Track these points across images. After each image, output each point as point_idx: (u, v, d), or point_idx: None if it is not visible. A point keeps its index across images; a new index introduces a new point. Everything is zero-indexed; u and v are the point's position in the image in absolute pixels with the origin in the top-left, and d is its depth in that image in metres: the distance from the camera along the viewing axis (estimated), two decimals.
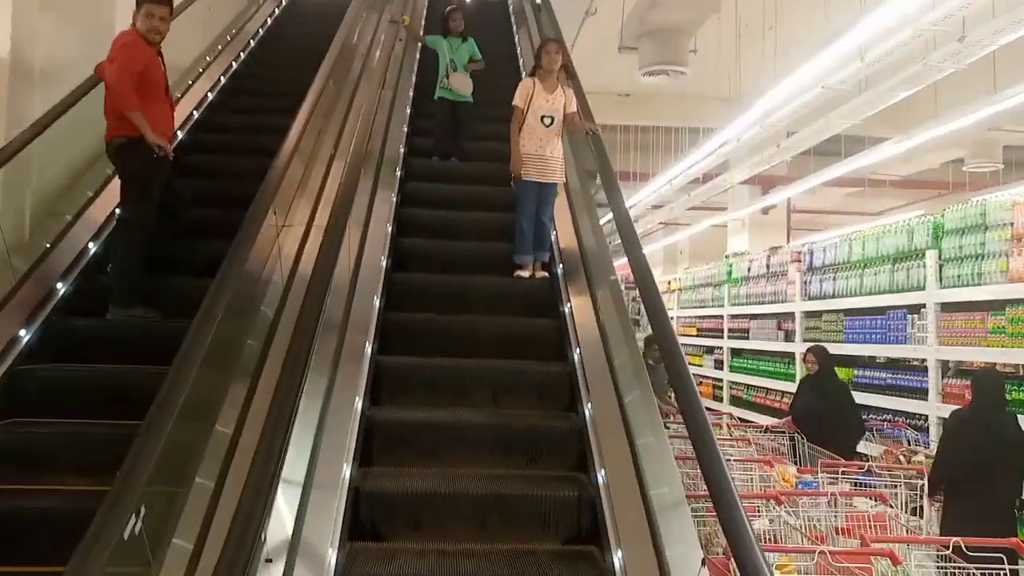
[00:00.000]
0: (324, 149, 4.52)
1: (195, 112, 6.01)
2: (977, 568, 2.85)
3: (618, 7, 9.95)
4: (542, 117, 4.70)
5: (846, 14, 6.93)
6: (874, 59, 7.11)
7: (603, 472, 2.96)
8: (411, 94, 6.78)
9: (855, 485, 4.26)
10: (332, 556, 2.50)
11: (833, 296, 7.87)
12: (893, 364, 7.06)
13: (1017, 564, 3.05)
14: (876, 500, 3.88)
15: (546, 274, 4.73)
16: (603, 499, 2.86)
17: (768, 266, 9.83)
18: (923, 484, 4.61)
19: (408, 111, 6.44)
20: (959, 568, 2.91)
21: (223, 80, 6.75)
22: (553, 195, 4.78)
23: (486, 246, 5.02)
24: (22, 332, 3.63)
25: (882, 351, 7.08)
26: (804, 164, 12.62)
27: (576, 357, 3.79)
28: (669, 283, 14.61)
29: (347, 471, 2.87)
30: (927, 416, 6.16)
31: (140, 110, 3.88)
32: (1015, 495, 4.60)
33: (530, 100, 4.70)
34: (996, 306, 5.56)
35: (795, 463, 5.34)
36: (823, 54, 7.24)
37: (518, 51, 8.24)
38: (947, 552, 2.97)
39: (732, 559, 1.92)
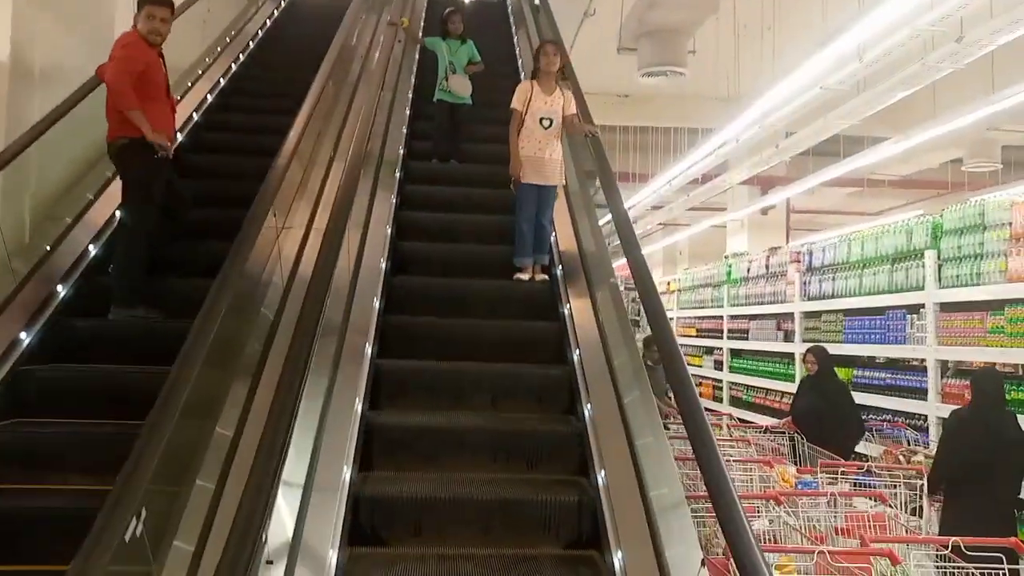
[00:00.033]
0: (323, 150, 4.53)
1: (195, 114, 6.02)
2: (976, 568, 2.85)
3: (617, 8, 9.96)
4: (541, 119, 4.69)
5: (844, 14, 6.93)
6: (872, 59, 7.12)
7: (603, 475, 2.96)
8: (410, 96, 6.78)
9: (855, 485, 4.27)
10: (332, 559, 2.50)
11: (832, 296, 7.88)
12: (892, 364, 7.07)
13: (1017, 564, 3.06)
14: (876, 500, 3.89)
15: (546, 277, 4.72)
16: (603, 502, 2.85)
17: (767, 267, 9.83)
18: (923, 484, 4.61)
19: (407, 112, 6.45)
20: (958, 568, 2.91)
21: (223, 82, 6.76)
22: (553, 197, 4.77)
23: (485, 249, 5.02)
24: (23, 334, 3.64)
25: (881, 351, 7.09)
26: (803, 164, 12.63)
27: (576, 358, 3.79)
28: (668, 284, 14.63)
29: (347, 473, 2.87)
30: (926, 416, 6.17)
31: (140, 109, 3.90)
32: (1015, 495, 4.60)
33: (528, 102, 4.69)
34: (995, 306, 5.57)
35: (795, 463, 5.34)
36: (821, 54, 7.25)
37: (517, 52, 8.24)
38: (946, 552, 2.98)
39: (731, 559, 1.92)
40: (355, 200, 3.73)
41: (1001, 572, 2.82)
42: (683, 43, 10.23)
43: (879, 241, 7.23)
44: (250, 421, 2.64)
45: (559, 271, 4.72)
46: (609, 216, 4.09)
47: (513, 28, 8.90)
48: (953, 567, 2.93)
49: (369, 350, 3.68)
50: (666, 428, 4.30)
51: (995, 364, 5.54)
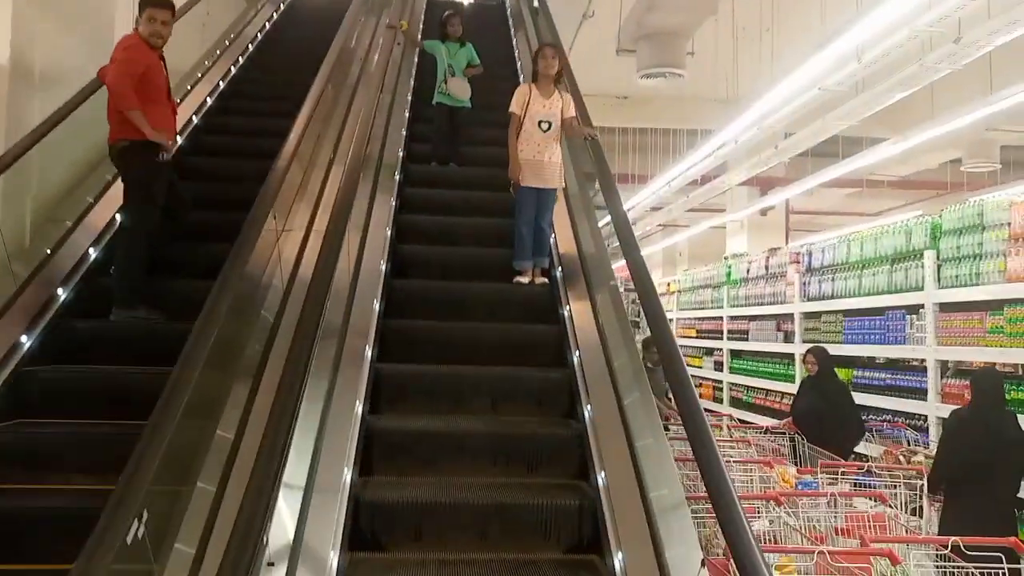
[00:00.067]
0: (323, 153, 4.53)
1: (194, 117, 6.03)
2: (976, 567, 2.86)
3: (615, 10, 9.97)
4: (539, 122, 4.68)
5: (843, 16, 6.95)
6: (870, 60, 7.14)
7: (604, 477, 2.96)
8: (409, 98, 6.78)
9: (855, 486, 4.27)
10: (333, 562, 2.50)
11: (832, 297, 7.89)
12: (892, 365, 7.07)
13: (1017, 564, 3.06)
14: (876, 501, 3.89)
15: (546, 280, 4.71)
16: (604, 504, 2.86)
17: (767, 267, 9.84)
18: (923, 484, 4.62)
19: (406, 115, 6.45)
20: (958, 567, 2.92)
21: (222, 85, 6.76)
22: (552, 201, 4.76)
23: (485, 252, 5.02)
24: (24, 336, 3.65)
25: (881, 352, 7.09)
26: (802, 165, 12.64)
27: (575, 359, 3.80)
28: (668, 285, 14.63)
29: (347, 476, 2.87)
30: (926, 416, 6.17)
31: (140, 109, 3.91)
32: (1014, 494, 4.61)
33: (527, 106, 4.69)
34: (994, 306, 5.57)
35: (795, 464, 5.35)
36: (820, 56, 7.26)
37: (516, 54, 8.25)
38: (946, 552, 2.98)
39: (731, 560, 1.93)
40: (355, 202, 3.73)
41: (1001, 572, 2.83)
42: (682, 45, 10.24)
43: (878, 242, 7.24)
44: (250, 423, 2.65)
45: (559, 272, 4.73)
46: (608, 218, 4.09)
47: (512, 30, 8.91)
48: (953, 567, 2.94)
49: (369, 352, 3.69)
50: (666, 429, 4.30)
51: (995, 364, 5.54)
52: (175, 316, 3.88)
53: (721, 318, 11.11)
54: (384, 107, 5.67)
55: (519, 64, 7.93)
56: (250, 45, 7.82)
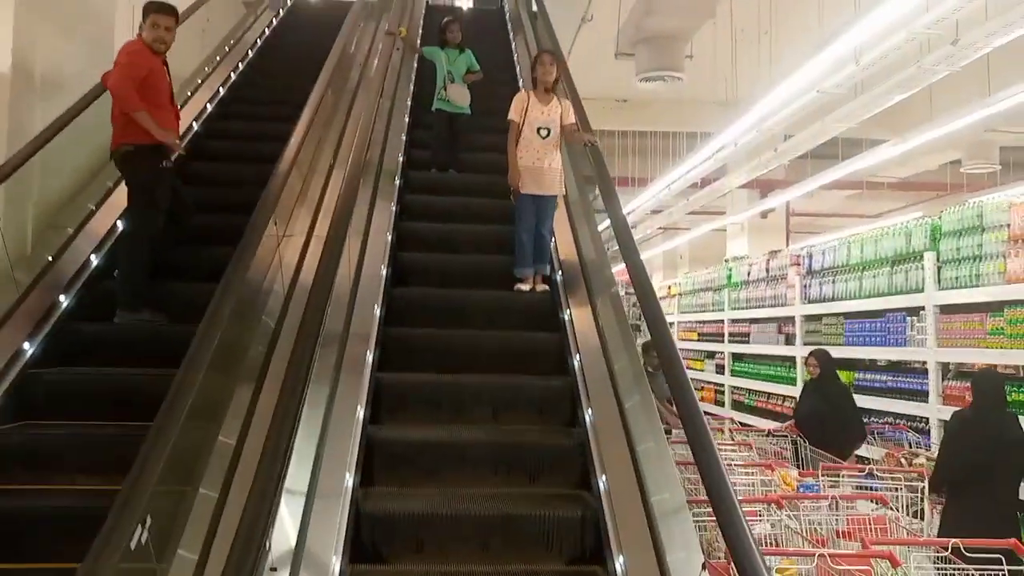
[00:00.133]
0: (323, 158, 4.55)
1: (195, 123, 6.05)
2: (976, 569, 2.86)
3: (614, 14, 10.00)
4: (538, 129, 4.67)
5: (841, 18, 6.96)
6: (869, 63, 7.15)
7: (605, 482, 2.96)
8: (409, 103, 6.79)
9: (857, 488, 4.27)
10: (335, 568, 2.50)
11: (832, 299, 7.89)
12: (894, 367, 7.06)
13: (1018, 565, 3.06)
14: (877, 503, 3.89)
15: (547, 287, 4.69)
16: (605, 511, 2.85)
17: (768, 270, 9.83)
18: (924, 487, 4.62)
19: (406, 120, 6.46)
20: (958, 569, 2.92)
21: (222, 92, 6.78)
22: (552, 207, 4.75)
23: (485, 259, 5.01)
24: (28, 341, 3.67)
25: (882, 354, 7.09)
26: (802, 167, 12.65)
27: (576, 364, 3.79)
28: (669, 288, 14.62)
29: (348, 482, 2.87)
30: (928, 419, 6.17)
31: (144, 110, 3.93)
32: (1016, 496, 4.61)
33: (525, 113, 4.68)
34: (994, 307, 5.57)
35: (797, 467, 5.35)
36: (818, 58, 7.28)
37: (515, 59, 8.26)
38: (946, 554, 2.98)
39: (732, 563, 1.94)
40: (355, 208, 3.74)
41: (1001, 573, 2.83)
42: (680, 48, 10.26)
43: (878, 243, 7.24)
44: (253, 426, 2.66)
45: (559, 277, 4.72)
46: (608, 222, 4.10)
47: (511, 35, 8.92)
48: (953, 569, 2.94)
49: (370, 357, 3.69)
50: (667, 433, 4.30)
51: (995, 365, 5.54)
52: (178, 319, 3.91)
53: (722, 321, 11.10)
54: (384, 112, 5.68)
55: (518, 69, 7.94)
56: (250, 51, 7.84)
